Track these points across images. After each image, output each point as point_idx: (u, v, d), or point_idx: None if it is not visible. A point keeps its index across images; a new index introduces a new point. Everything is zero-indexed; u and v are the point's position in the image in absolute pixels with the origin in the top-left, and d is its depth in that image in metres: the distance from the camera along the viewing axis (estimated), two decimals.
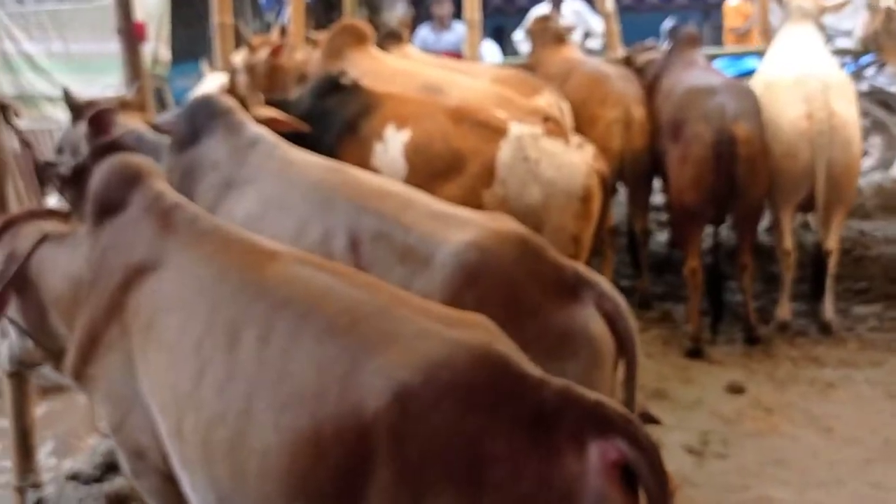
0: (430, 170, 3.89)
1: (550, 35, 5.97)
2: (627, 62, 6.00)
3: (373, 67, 4.88)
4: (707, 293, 4.83)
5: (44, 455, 4.70)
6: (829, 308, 4.93)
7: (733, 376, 4.59)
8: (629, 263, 6.00)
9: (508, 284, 2.27)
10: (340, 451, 1.60)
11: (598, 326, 2.27)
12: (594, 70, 5.36)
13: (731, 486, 3.63)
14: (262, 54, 5.02)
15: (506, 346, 1.70)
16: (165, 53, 7.25)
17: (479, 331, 1.72)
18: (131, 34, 3.82)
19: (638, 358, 2.41)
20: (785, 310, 4.95)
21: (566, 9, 8.54)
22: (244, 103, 3.88)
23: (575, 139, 3.90)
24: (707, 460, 3.86)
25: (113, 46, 7.48)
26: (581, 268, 2.38)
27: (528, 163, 3.79)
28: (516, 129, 3.85)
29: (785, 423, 4.15)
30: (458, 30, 8.35)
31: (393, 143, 3.98)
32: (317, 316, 1.73)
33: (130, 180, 2.16)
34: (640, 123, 5.11)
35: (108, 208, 2.14)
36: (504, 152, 3.81)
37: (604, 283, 2.37)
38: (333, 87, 4.14)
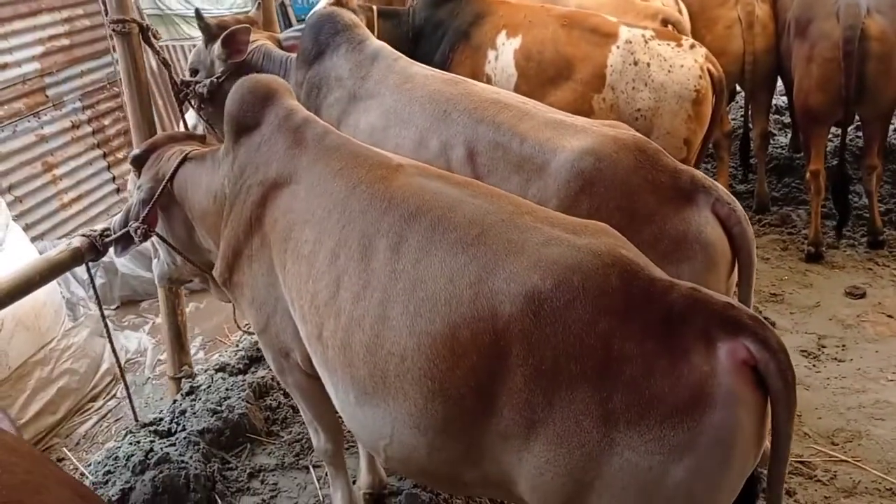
0: (540, 76, 3.94)
1: None
2: None
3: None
4: (831, 196, 4.67)
5: (193, 349, 5.26)
6: None
7: (854, 280, 4.48)
8: (748, 167, 5.84)
9: (624, 190, 2.30)
10: (475, 354, 1.65)
11: (713, 231, 2.28)
12: None
13: (848, 390, 3.62)
14: None
15: (632, 252, 1.73)
16: None
17: (605, 237, 1.74)
18: None
19: (754, 262, 2.44)
20: None
21: None
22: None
23: (687, 40, 3.82)
24: (823, 364, 3.84)
25: None
26: (697, 173, 2.37)
27: (637, 67, 3.77)
28: (625, 32, 3.82)
29: None
30: None
31: (504, 50, 4.04)
32: (446, 227, 1.80)
33: (263, 99, 2.25)
34: (762, 22, 4.89)
35: (244, 127, 2.24)
36: (613, 56, 3.80)
37: (719, 188, 2.36)
38: None
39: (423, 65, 2.97)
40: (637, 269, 1.64)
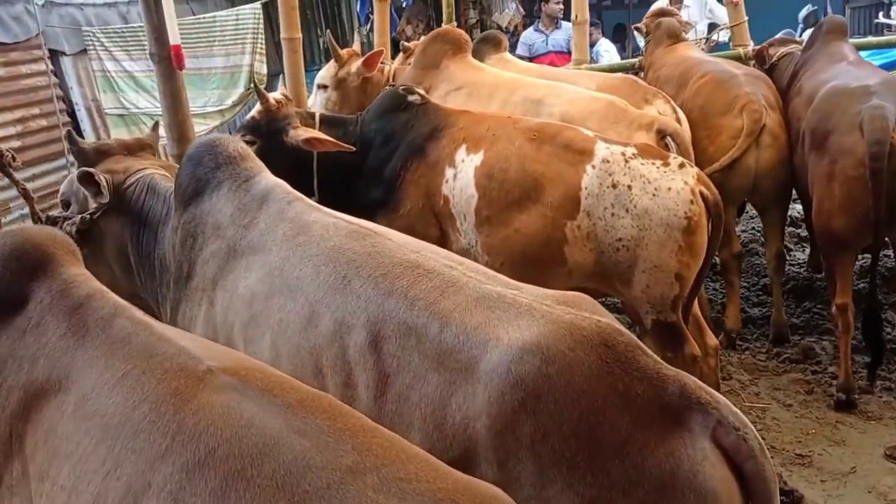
0: (504, 198, 3.35)
1: (664, 31, 5.25)
2: (759, 59, 5.16)
3: (471, 79, 4.39)
4: (862, 329, 3.93)
5: None
6: None
7: (895, 436, 3.70)
8: (761, 288, 5.13)
9: (583, 408, 1.60)
10: None
11: (713, 472, 1.57)
12: (716, 70, 4.58)
13: None
14: (353, 67, 4.66)
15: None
16: (262, 67, 7.11)
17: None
18: (168, 60, 3.50)
19: None
20: None
21: None
22: (287, 121, 3.57)
23: (675, 159, 3.22)
24: None
25: (217, 62, 7.56)
26: (689, 381, 1.64)
27: (616, 190, 3.17)
28: (602, 149, 3.23)
29: None
30: (568, 29, 7.72)
31: (464, 168, 3.46)
32: (241, 491, 1.22)
33: (32, 268, 1.68)
34: (772, 133, 4.27)
35: (4, 305, 1.66)
36: (588, 178, 3.20)
37: (721, 403, 1.64)
38: (400, 106, 3.69)
39: (328, 210, 2.30)
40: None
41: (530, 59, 9.59)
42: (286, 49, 4.09)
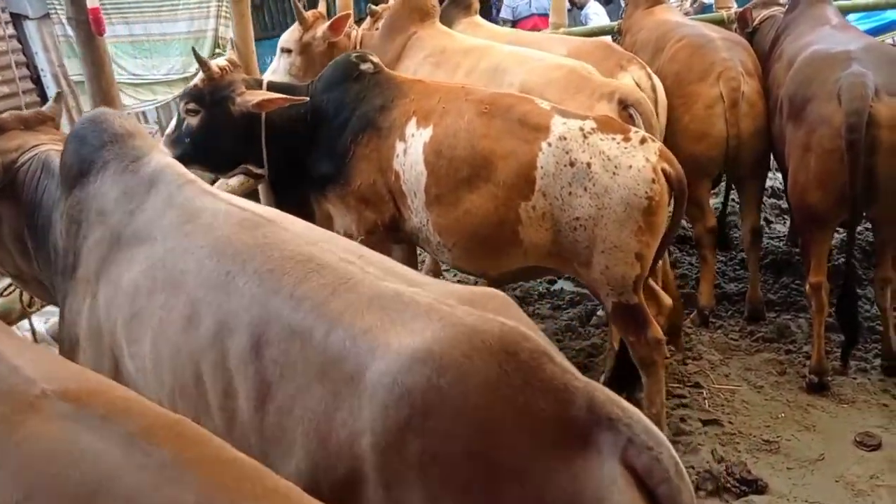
0: (452, 176, 3.16)
1: None
2: (741, 22, 4.91)
3: (439, 45, 4.17)
4: (836, 309, 3.76)
5: None
6: None
7: (867, 422, 3.56)
8: (738, 263, 4.95)
9: (478, 426, 1.42)
10: None
11: (622, 497, 1.39)
12: (693, 35, 4.32)
13: None
14: (320, 31, 4.41)
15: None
16: (227, 32, 6.81)
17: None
18: (86, 24, 3.27)
19: None
20: None
21: None
22: (232, 88, 3.36)
23: (637, 133, 3.02)
24: None
25: (181, 26, 7.27)
26: (598, 393, 1.45)
27: (574, 168, 2.97)
28: (559, 125, 3.03)
29: None
30: None
31: (414, 143, 3.27)
32: None
33: None
34: (750, 101, 4.04)
35: None
36: (544, 156, 3.01)
37: (637, 420, 1.45)
38: (352, 75, 3.47)
39: (224, 195, 2.08)
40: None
41: (514, 22, 9.33)
42: (235, 12, 3.85)
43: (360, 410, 1.49)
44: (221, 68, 3.41)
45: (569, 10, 9.77)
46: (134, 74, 7.25)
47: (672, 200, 3.05)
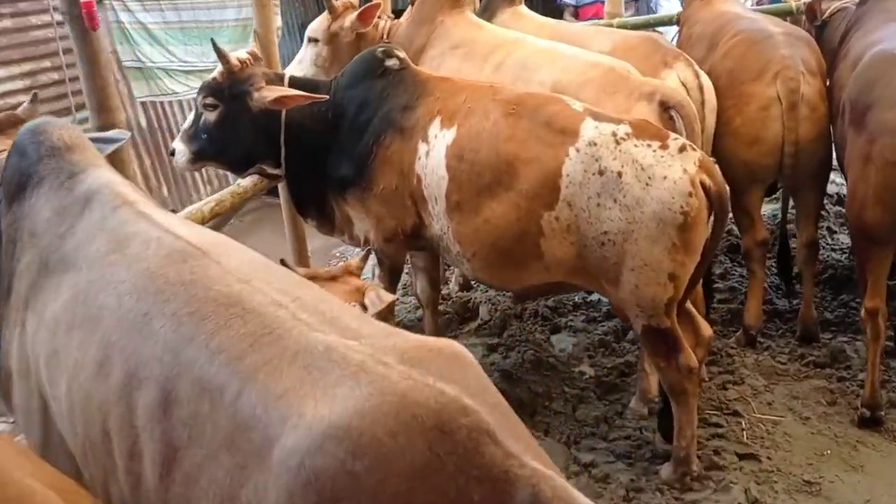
0: (474, 182, 2.96)
1: None
2: (809, 14, 4.54)
3: (468, 37, 3.95)
4: (893, 334, 3.41)
5: None
6: None
7: None
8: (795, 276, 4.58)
9: None
10: None
11: None
12: (751, 29, 3.98)
13: None
14: (348, 21, 4.25)
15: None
16: (275, 20, 6.69)
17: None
18: (79, 20, 3.17)
19: None
20: None
21: None
22: (251, 83, 3.22)
23: (676, 140, 2.76)
24: None
25: (229, 14, 7.19)
26: (543, 482, 1.21)
27: (604, 177, 2.74)
28: (590, 129, 2.79)
29: None
30: None
31: (437, 145, 3.08)
32: None
33: None
34: (810, 103, 3.70)
35: None
36: (571, 162, 2.78)
37: None
38: (376, 71, 3.30)
39: (163, 219, 1.83)
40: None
41: (576, 9, 9.00)
42: (255, 3, 3.70)
43: (265, 492, 1.27)
44: (242, 61, 3.28)
45: None
46: (185, 61, 7.19)
47: (711, 217, 2.78)
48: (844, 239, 4.97)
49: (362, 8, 4.21)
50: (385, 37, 4.25)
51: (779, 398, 3.60)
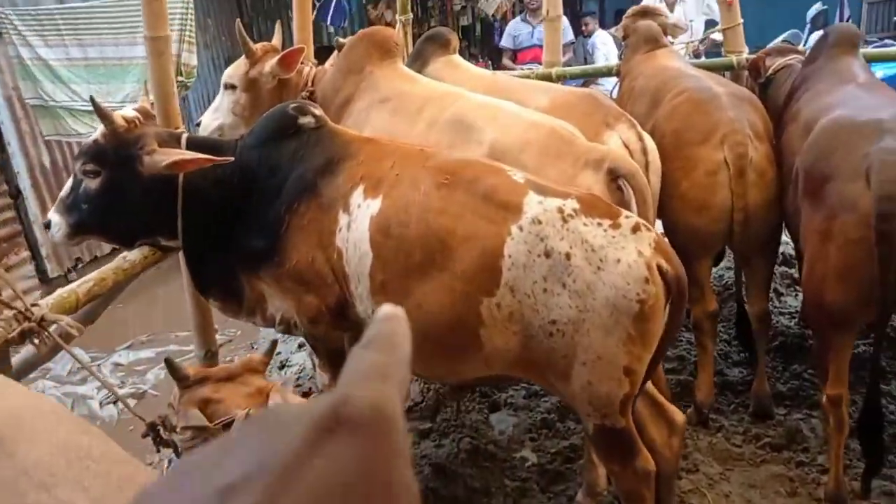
0: (402, 261, 2.58)
1: (641, 36, 4.44)
2: (752, 70, 4.37)
3: (398, 89, 3.59)
4: (857, 426, 3.16)
5: None
6: None
7: None
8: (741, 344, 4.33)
9: None
10: None
11: None
12: (695, 88, 3.77)
13: None
14: (268, 66, 3.84)
15: None
16: (191, 58, 6.24)
17: None
18: None
19: None
20: None
21: None
22: (141, 145, 2.79)
23: (629, 219, 2.45)
24: None
25: (139, 51, 6.70)
26: None
27: (551, 259, 2.40)
28: (534, 205, 2.46)
29: None
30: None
31: (360, 216, 2.70)
32: None
33: None
34: (759, 169, 3.48)
35: None
36: (514, 242, 2.44)
37: None
38: (288, 129, 2.91)
39: None
40: None
41: (514, 52, 8.85)
42: (150, 50, 3.27)
43: None
44: (129, 120, 2.84)
45: (575, 38, 9.37)
46: (88, 101, 6.67)
47: (668, 303, 2.48)
48: (793, 302, 4.79)
49: (283, 53, 3.83)
50: (310, 84, 3.88)
51: (735, 487, 3.31)
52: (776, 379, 4.07)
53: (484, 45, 12.08)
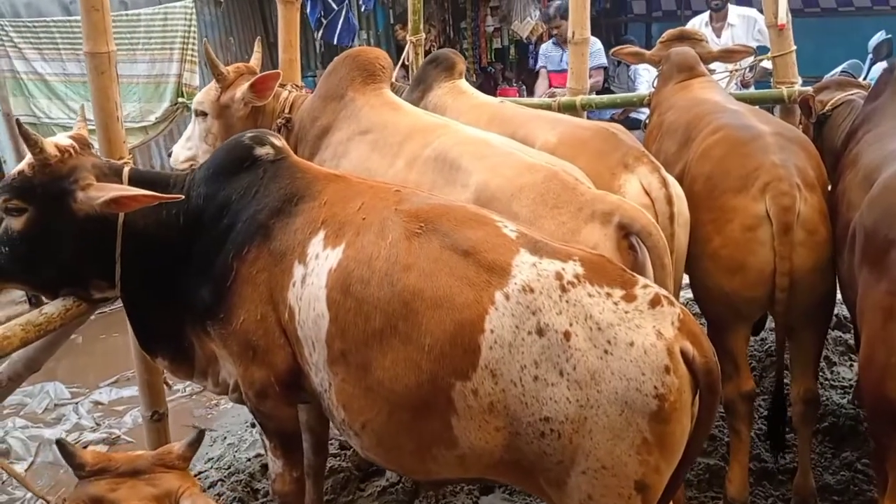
0: (362, 326, 2.09)
1: (674, 64, 3.91)
2: (804, 108, 3.76)
3: (380, 120, 3.09)
4: None
5: None
6: None
7: None
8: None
9: None
10: None
11: None
12: (735, 125, 3.20)
13: None
14: (239, 92, 3.39)
15: None
16: (193, 78, 5.91)
17: None
18: None
19: None
20: None
21: (732, 15, 6.49)
22: (74, 178, 2.34)
23: (647, 290, 1.92)
24: None
25: (140, 69, 6.41)
26: None
27: (544, 338, 1.89)
28: (525, 267, 1.95)
29: None
30: (595, 43, 6.86)
31: (317, 269, 2.21)
32: None
33: None
34: (808, 225, 2.88)
35: None
36: (497, 314, 1.92)
37: None
38: (243, 162, 2.44)
39: None
40: None
41: (549, 73, 8.48)
42: (90, 68, 2.81)
43: None
44: (62, 149, 2.39)
45: (617, 64, 8.95)
46: (88, 119, 6.37)
47: (696, 400, 1.93)
48: (847, 373, 4.14)
49: (255, 77, 3.38)
50: (286, 111, 3.42)
51: None
52: (823, 468, 3.46)
53: (520, 69, 11.70)
